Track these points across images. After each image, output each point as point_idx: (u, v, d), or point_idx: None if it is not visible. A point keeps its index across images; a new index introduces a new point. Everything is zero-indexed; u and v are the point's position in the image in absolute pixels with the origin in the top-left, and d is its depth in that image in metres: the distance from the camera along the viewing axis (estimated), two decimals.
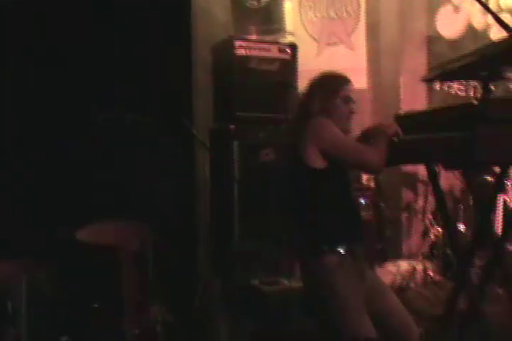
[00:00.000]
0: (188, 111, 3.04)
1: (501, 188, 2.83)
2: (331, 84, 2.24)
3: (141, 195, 2.59)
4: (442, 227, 3.75)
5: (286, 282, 2.69)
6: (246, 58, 3.36)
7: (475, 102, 2.29)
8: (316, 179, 2.14)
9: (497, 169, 2.92)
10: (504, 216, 3.30)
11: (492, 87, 2.64)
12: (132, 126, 2.60)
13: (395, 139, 2.29)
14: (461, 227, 3.86)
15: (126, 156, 2.62)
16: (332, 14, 4.56)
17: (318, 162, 2.12)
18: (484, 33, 4.55)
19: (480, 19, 4.54)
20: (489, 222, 2.64)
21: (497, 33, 2.12)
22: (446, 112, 2.52)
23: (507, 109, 2.22)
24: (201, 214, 3.26)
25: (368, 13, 4.51)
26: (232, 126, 3.20)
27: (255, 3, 4.52)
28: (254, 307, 2.73)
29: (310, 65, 4.31)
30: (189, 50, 3.34)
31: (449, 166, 2.58)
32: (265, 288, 2.76)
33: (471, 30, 4.62)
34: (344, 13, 4.56)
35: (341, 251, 2.10)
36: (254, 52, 3.43)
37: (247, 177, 3.10)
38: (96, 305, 1.87)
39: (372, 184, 3.69)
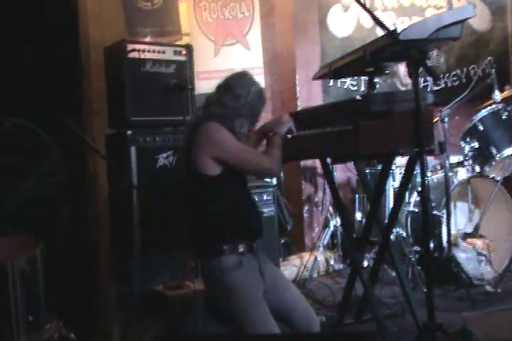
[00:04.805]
0: (78, 115, 2.90)
1: (387, 178, 2.99)
2: (242, 92, 2.13)
3: (27, 207, 2.45)
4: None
5: (190, 285, 2.68)
6: (139, 61, 3.29)
7: (358, 97, 2.41)
8: (210, 184, 2.11)
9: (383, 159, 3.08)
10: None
11: (378, 82, 2.80)
12: (14, 131, 2.44)
13: (289, 136, 2.35)
14: (358, 216, 4.06)
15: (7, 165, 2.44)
16: (227, 15, 4.60)
17: (211, 168, 2.08)
18: (372, 31, 4.80)
19: (368, 18, 4.78)
20: (378, 210, 2.78)
21: (383, 31, 2.25)
22: (335, 108, 2.63)
23: (389, 102, 2.36)
24: (100, 222, 3.17)
25: (263, 13, 4.60)
26: (128, 132, 3.13)
27: (148, 4, 4.45)
28: (157, 313, 2.70)
29: (207, 66, 4.34)
30: (77, 53, 3.20)
31: (337, 160, 2.71)
32: (169, 293, 2.74)
33: (360, 28, 4.86)
34: (239, 14, 4.61)
35: (240, 250, 2.12)
36: (148, 55, 3.37)
37: (146, 183, 3.04)
38: None
39: (274, 180, 3.77)
